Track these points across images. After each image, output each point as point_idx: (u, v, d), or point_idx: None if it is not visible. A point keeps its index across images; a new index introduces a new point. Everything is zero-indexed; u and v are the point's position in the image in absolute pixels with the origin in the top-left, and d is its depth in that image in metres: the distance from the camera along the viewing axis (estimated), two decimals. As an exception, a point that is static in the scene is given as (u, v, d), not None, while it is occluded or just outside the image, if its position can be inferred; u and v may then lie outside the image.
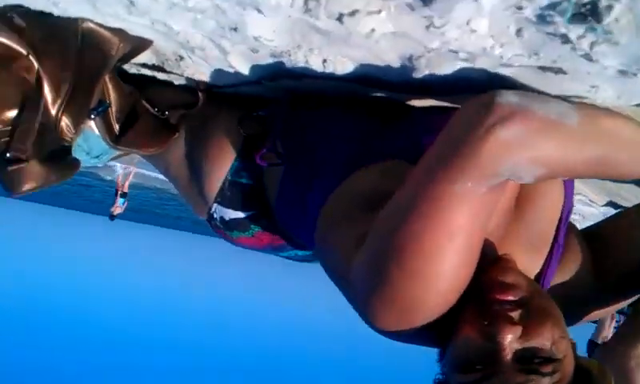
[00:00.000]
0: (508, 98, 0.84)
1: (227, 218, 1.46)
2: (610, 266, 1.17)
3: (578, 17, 0.73)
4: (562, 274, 1.17)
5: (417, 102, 1.33)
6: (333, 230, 1.16)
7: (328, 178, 1.21)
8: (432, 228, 0.90)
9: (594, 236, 1.22)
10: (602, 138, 0.89)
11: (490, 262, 1.04)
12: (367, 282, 0.99)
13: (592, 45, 0.78)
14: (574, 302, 1.17)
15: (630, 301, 1.21)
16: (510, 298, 0.96)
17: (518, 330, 0.91)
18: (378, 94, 1.15)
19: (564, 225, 1.15)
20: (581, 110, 0.86)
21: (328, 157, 1.26)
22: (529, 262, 1.11)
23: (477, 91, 1.07)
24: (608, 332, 7.08)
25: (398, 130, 1.21)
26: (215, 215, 1.47)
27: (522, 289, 0.98)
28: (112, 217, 16.94)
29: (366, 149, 1.21)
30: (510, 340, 0.91)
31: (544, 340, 0.93)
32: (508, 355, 0.91)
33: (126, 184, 16.64)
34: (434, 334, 1.01)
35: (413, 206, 0.93)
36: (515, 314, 0.93)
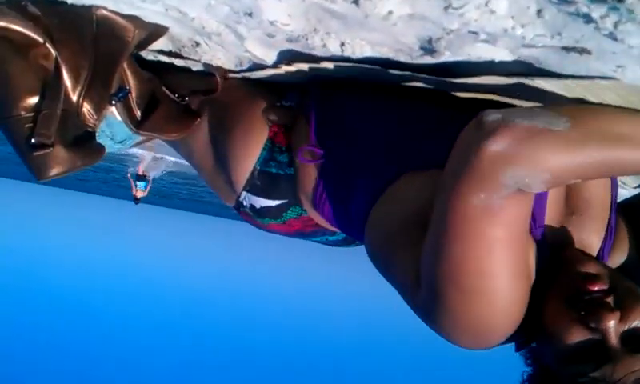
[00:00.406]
0: (492, 115, 0.90)
1: (258, 206, 1.46)
2: None
3: (599, -4, 0.70)
4: (616, 253, 1.19)
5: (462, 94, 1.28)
6: (390, 249, 1.15)
7: (372, 182, 1.21)
8: (470, 246, 0.94)
9: (630, 210, 1.24)
10: (596, 136, 0.90)
11: (561, 256, 1.09)
12: (436, 315, 1.02)
13: (616, 24, 0.74)
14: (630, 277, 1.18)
15: None
16: (603, 287, 0.99)
17: (617, 314, 0.95)
18: (420, 85, 1.12)
19: (614, 206, 1.19)
20: (570, 114, 0.89)
21: (369, 156, 1.25)
22: (586, 247, 1.15)
23: (504, 74, 1.06)
24: None
25: (443, 137, 1.10)
26: (245, 203, 1.47)
27: (607, 275, 1.02)
28: (136, 200, 17.13)
29: (411, 151, 1.20)
30: (613, 325, 0.95)
31: None
32: (615, 340, 0.95)
33: (140, 168, 16.72)
34: (516, 333, 1.04)
35: (446, 231, 0.96)
36: (610, 300, 0.97)
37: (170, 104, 1.48)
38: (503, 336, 1.02)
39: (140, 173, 16.94)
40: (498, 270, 0.95)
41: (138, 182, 16.78)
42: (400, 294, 1.13)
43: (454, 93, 1.25)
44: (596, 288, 0.99)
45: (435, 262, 0.98)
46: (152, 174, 17.15)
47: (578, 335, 0.97)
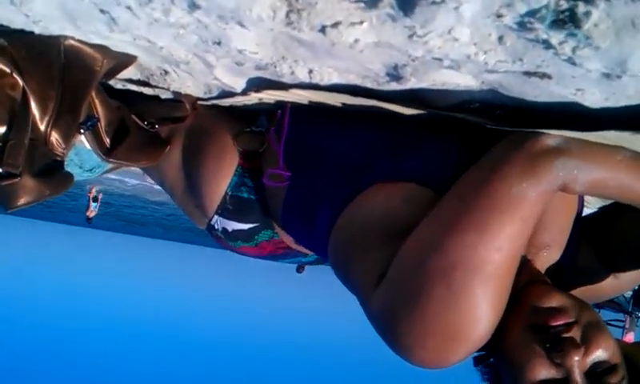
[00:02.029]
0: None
1: (230, 229, 1.47)
2: (614, 251, 1.24)
3: (558, 23, 0.72)
4: (579, 263, 1.24)
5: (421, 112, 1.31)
6: (351, 256, 1.16)
7: (337, 195, 1.21)
8: (485, 236, 0.95)
9: (590, 224, 1.28)
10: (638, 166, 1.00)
11: (525, 283, 1.09)
12: (402, 317, 0.99)
13: (574, 49, 0.77)
14: (590, 288, 1.25)
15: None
16: (568, 320, 0.99)
17: (582, 350, 0.96)
18: (381, 106, 1.14)
19: (578, 224, 1.22)
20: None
21: (335, 173, 1.25)
22: (547, 260, 1.18)
23: (469, 101, 1.09)
24: None
25: (413, 151, 1.19)
26: (217, 226, 1.48)
27: (571, 308, 1.02)
28: (88, 220, 17.61)
29: (378, 166, 1.20)
30: (578, 362, 0.95)
31: (604, 350, 0.98)
32: (578, 377, 0.96)
33: (93, 189, 17.13)
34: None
35: (463, 219, 0.98)
36: (575, 334, 0.97)
37: (140, 132, 1.48)
38: (470, 350, 1.00)
39: (93, 194, 17.47)
40: (498, 270, 0.96)
41: (94, 203, 17.24)
42: (359, 297, 1.12)
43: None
44: (561, 322, 0.99)
45: (429, 254, 0.97)
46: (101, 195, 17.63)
47: (542, 371, 0.97)
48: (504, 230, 0.95)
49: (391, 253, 1.05)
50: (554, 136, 0.98)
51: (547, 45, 0.78)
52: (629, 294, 7.35)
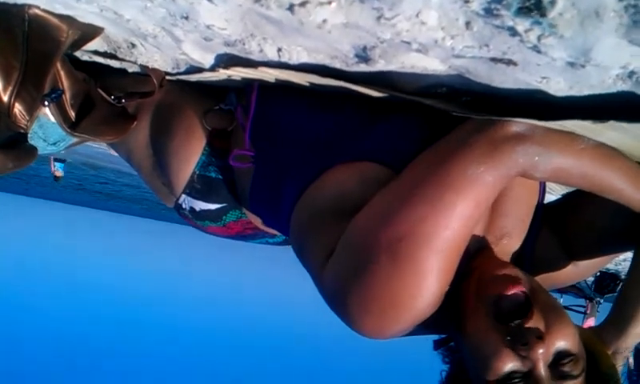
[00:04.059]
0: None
1: (198, 209, 1.46)
2: (575, 239, 1.25)
3: (524, 10, 0.73)
4: (539, 253, 1.25)
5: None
6: (306, 232, 1.17)
7: (300, 176, 1.21)
8: (435, 212, 0.97)
9: (553, 212, 1.29)
10: (604, 158, 1.03)
11: (478, 259, 1.12)
12: (349, 287, 1.02)
13: (539, 37, 0.77)
14: (551, 275, 1.26)
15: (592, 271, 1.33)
16: (521, 289, 1.02)
17: (545, 342, 0.98)
18: (350, 87, 1.14)
19: (540, 211, 1.25)
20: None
21: (300, 153, 1.25)
22: (507, 247, 1.20)
23: (437, 86, 1.09)
24: None
25: (376, 132, 1.20)
26: (184, 205, 1.47)
27: (524, 279, 1.05)
28: (55, 178, 17.50)
29: (341, 146, 1.21)
30: (542, 354, 0.98)
31: (566, 340, 1.00)
32: (542, 369, 0.98)
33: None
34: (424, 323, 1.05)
35: (416, 193, 1.00)
36: (538, 323, 0.99)
37: (106, 106, 1.45)
38: (413, 320, 1.02)
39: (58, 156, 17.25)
40: (445, 246, 0.98)
41: (56, 163, 17.03)
42: (312, 275, 1.14)
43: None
44: (513, 291, 1.01)
45: (379, 225, 1.00)
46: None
47: (507, 364, 0.99)
48: (455, 209, 0.97)
49: (341, 231, 1.06)
50: (517, 122, 0.99)
51: (513, 32, 0.79)
52: (590, 279, 7.51)
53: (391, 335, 1.04)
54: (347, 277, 1.02)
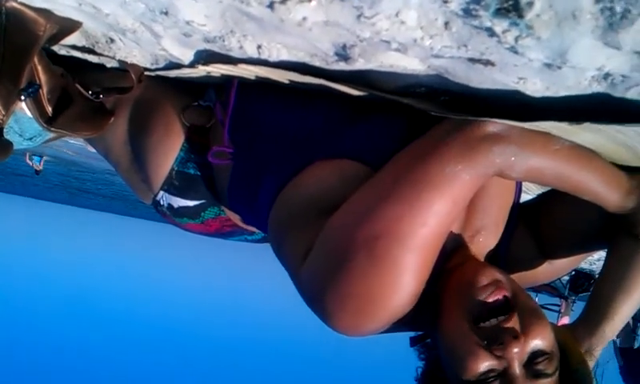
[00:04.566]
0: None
1: (176, 206, 1.45)
2: (550, 238, 1.27)
3: (502, 11, 0.74)
4: (514, 252, 1.27)
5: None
6: (284, 230, 1.17)
7: (280, 172, 1.21)
8: (412, 210, 0.98)
9: (529, 211, 1.31)
10: (580, 159, 1.05)
11: (455, 258, 1.14)
12: (326, 283, 1.02)
13: (517, 39, 0.78)
14: (526, 273, 1.28)
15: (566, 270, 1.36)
16: (504, 293, 1.04)
17: (521, 341, 0.99)
18: (329, 85, 1.14)
19: (516, 210, 1.27)
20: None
21: (279, 150, 1.25)
22: (482, 245, 1.21)
23: (416, 85, 1.10)
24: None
25: (357, 130, 1.20)
26: (162, 202, 1.46)
27: (505, 282, 1.06)
28: (36, 172, 17.55)
29: (320, 144, 1.21)
30: (517, 353, 0.99)
31: (542, 339, 1.01)
32: (517, 368, 1.00)
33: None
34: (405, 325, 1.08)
35: (394, 192, 1.00)
36: (515, 324, 1.01)
37: (83, 101, 1.43)
38: (388, 318, 1.03)
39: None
40: (422, 244, 0.99)
41: (33, 157, 17.03)
42: (288, 267, 1.15)
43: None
44: (497, 297, 1.03)
45: (356, 223, 1.00)
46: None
47: (483, 363, 1.00)
48: (432, 207, 0.98)
49: (320, 228, 1.06)
50: (494, 123, 1.00)
51: (491, 32, 0.79)
52: (565, 278, 7.61)
53: (367, 333, 1.05)
54: (324, 274, 1.02)
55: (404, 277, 0.98)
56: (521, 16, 0.73)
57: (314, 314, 1.07)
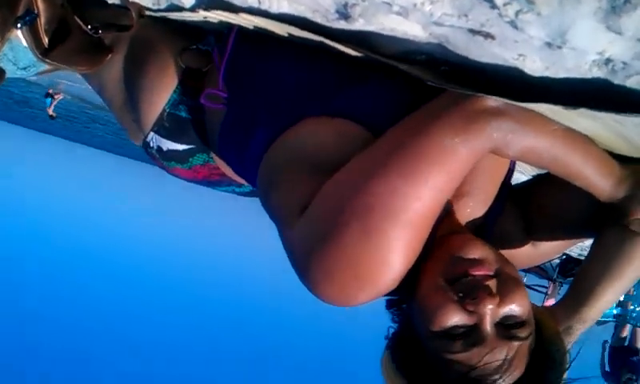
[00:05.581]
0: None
1: (165, 149, 1.44)
2: (538, 220, 1.27)
3: (504, -18, 0.72)
4: (501, 228, 1.26)
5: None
6: (276, 179, 1.15)
7: (274, 122, 1.19)
8: (408, 183, 0.96)
9: (521, 194, 1.30)
10: (575, 144, 1.04)
11: (442, 226, 1.11)
12: (314, 249, 1.00)
13: (517, 13, 0.76)
14: (510, 252, 1.26)
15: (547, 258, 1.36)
16: (487, 272, 1.02)
17: (496, 299, 0.98)
18: (328, 43, 1.12)
19: (507, 185, 1.26)
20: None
21: (274, 101, 1.23)
22: (470, 215, 1.21)
23: (416, 52, 1.08)
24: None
25: (354, 91, 1.18)
26: (152, 144, 1.45)
27: (492, 261, 1.05)
28: (50, 117, 17.69)
29: (317, 100, 1.19)
30: (490, 310, 0.98)
31: (518, 306, 1.00)
32: (489, 326, 0.98)
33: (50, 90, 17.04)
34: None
35: (389, 164, 0.98)
36: (492, 284, 1.00)
37: (82, 35, 1.41)
38: (377, 293, 1.02)
39: (49, 91, 17.30)
40: (415, 219, 0.97)
41: (46, 100, 17.14)
42: (278, 223, 1.13)
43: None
44: (480, 273, 1.01)
45: (352, 193, 0.98)
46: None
47: (453, 317, 0.99)
48: (428, 181, 0.96)
49: (316, 186, 1.05)
50: (493, 99, 0.99)
51: (492, 4, 0.78)
52: (556, 261, 7.67)
53: (352, 305, 1.04)
54: (316, 240, 1.00)
55: (394, 253, 0.97)
56: (523, -11, 0.71)
57: (297, 278, 1.06)
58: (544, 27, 0.78)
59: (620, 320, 7.63)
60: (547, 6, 0.73)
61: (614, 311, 7.48)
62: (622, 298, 7.46)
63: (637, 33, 0.73)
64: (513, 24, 0.80)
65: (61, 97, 17.33)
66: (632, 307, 7.40)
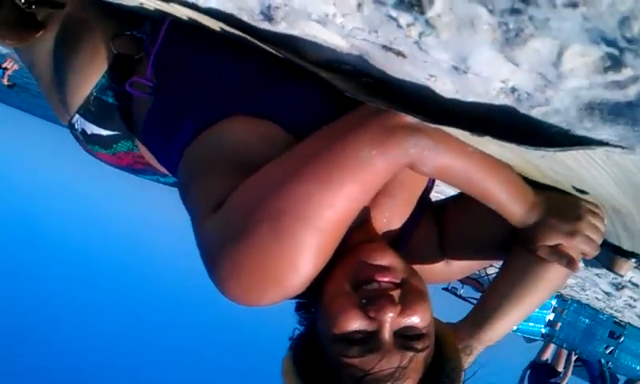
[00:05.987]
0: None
1: (89, 132, 1.41)
2: (452, 239, 1.30)
3: (405, 4, 0.72)
4: (417, 241, 1.28)
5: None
6: (195, 174, 1.14)
7: (200, 116, 1.18)
8: (323, 193, 0.96)
9: (440, 210, 1.33)
10: (490, 167, 1.08)
11: (355, 234, 1.12)
12: (224, 246, 1.00)
13: (420, 35, 0.77)
14: (423, 267, 1.27)
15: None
16: (392, 279, 1.03)
17: (398, 308, 0.99)
18: (253, 42, 1.11)
19: (426, 198, 1.29)
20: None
21: (202, 94, 1.21)
22: (386, 225, 1.22)
23: (341, 62, 1.08)
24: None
25: (287, 94, 1.18)
26: (77, 126, 1.42)
27: (399, 269, 1.06)
28: (9, 86, 17.39)
29: (244, 98, 1.18)
30: (391, 318, 0.98)
31: (418, 317, 1.01)
32: (388, 334, 0.99)
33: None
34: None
35: (305, 169, 0.98)
36: (396, 294, 1.01)
37: (13, 8, 1.38)
38: (283, 295, 1.02)
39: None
40: (326, 226, 0.97)
41: None
42: (193, 217, 1.12)
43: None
44: (384, 279, 1.03)
45: (267, 195, 0.98)
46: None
47: (354, 322, 1.00)
48: (342, 190, 0.97)
49: (234, 184, 1.05)
50: (410, 117, 1.00)
51: (397, 24, 0.78)
52: (492, 274, 7.80)
53: (258, 306, 1.03)
54: (226, 238, 1.00)
55: (303, 258, 0.97)
56: (422, 12, 0.72)
57: (207, 275, 1.06)
58: (447, 51, 0.79)
59: (547, 339, 7.82)
60: (447, 31, 0.74)
61: (543, 330, 7.65)
62: (551, 318, 7.65)
63: (532, 66, 0.75)
64: (417, 45, 0.81)
65: (16, 67, 16.94)
66: (559, 328, 7.58)
